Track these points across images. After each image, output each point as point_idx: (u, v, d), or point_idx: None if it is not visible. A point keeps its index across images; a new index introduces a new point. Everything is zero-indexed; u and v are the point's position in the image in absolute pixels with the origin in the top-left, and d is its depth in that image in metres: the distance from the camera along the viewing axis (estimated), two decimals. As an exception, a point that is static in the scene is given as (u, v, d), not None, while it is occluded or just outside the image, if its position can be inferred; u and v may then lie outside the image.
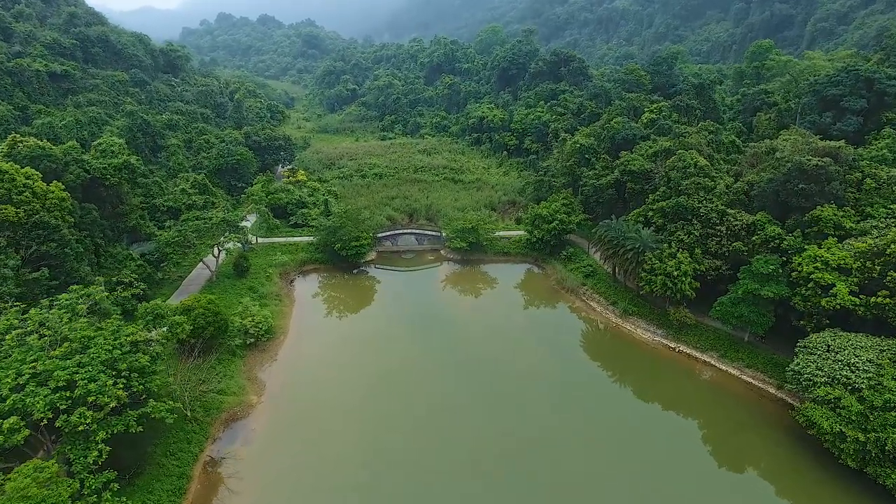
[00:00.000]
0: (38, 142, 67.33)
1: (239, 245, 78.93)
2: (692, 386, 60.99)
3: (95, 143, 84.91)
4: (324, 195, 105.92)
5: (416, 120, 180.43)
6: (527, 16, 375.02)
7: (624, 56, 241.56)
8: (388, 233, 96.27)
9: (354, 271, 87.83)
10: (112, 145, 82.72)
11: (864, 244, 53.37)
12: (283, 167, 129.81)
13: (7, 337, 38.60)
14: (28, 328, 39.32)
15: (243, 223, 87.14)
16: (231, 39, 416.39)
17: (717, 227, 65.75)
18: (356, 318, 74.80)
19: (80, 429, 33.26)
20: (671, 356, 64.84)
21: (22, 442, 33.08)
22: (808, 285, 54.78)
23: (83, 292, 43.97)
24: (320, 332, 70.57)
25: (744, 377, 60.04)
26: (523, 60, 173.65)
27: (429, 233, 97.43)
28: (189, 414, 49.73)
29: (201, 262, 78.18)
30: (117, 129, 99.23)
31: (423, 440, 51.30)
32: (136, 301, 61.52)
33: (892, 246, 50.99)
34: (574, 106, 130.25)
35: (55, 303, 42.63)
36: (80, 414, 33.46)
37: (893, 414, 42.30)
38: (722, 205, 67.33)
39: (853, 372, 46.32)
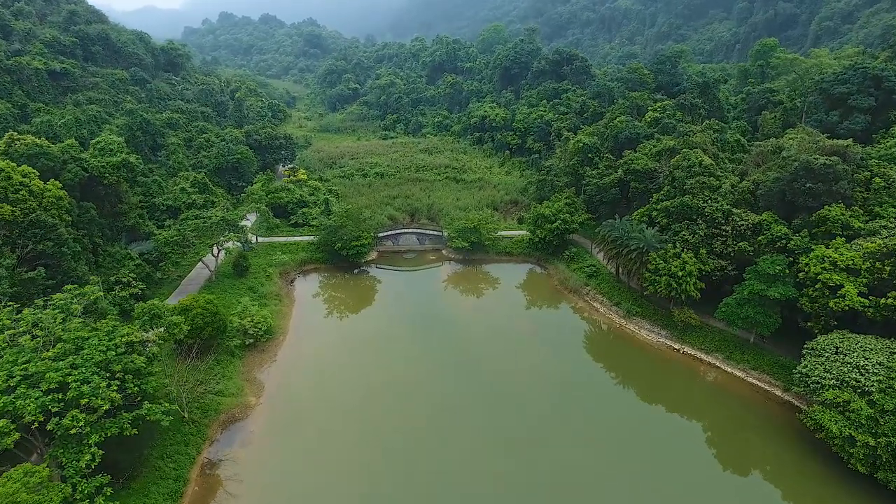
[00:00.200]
0: (36, 140, 66.73)
1: (238, 244, 78.17)
2: (696, 388, 60.29)
3: (94, 141, 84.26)
4: (325, 194, 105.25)
5: (418, 119, 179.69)
6: (529, 15, 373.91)
7: (626, 55, 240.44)
8: (390, 232, 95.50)
9: (355, 271, 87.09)
10: (111, 143, 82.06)
11: (874, 244, 52.42)
12: (283, 166, 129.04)
13: (-1, 337, 37.91)
14: (20, 329, 38.57)
15: (243, 222, 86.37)
16: (233, 39, 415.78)
17: (723, 227, 64.85)
18: (357, 319, 74.04)
19: (72, 432, 32.46)
20: (675, 357, 64.00)
21: (12, 446, 32.37)
22: (816, 286, 53.88)
23: (78, 292, 43.19)
24: (320, 333, 69.81)
25: (749, 379, 59.17)
26: (526, 59, 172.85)
27: (430, 232, 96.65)
28: (186, 415, 49.02)
29: (201, 262, 77.53)
30: (117, 127, 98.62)
31: (424, 441, 50.65)
32: (134, 301, 60.96)
33: (903, 246, 50.11)
34: (577, 105, 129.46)
35: (49, 303, 41.85)
36: (72, 417, 32.70)
37: (904, 418, 41.44)
38: (727, 204, 66.43)
39: (863, 375, 45.41)
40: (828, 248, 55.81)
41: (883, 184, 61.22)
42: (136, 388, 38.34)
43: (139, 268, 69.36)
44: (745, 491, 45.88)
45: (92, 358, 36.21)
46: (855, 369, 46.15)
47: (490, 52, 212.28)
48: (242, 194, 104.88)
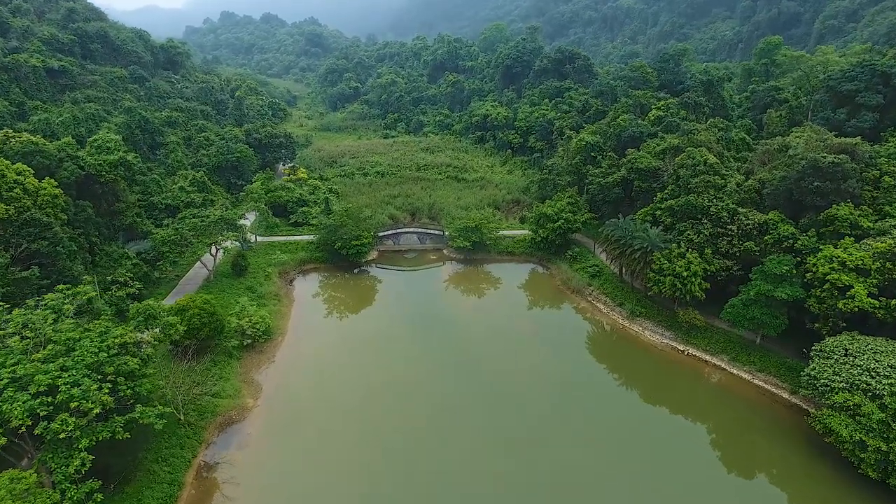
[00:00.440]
0: (31, 137, 65.86)
1: (237, 244, 77.29)
2: (701, 389, 59.38)
3: (91, 139, 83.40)
4: (325, 193, 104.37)
5: (420, 118, 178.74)
6: (531, 14, 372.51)
7: (629, 55, 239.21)
8: (390, 232, 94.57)
9: (355, 271, 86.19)
10: (108, 141, 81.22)
11: (884, 244, 51.36)
12: (284, 165, 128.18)
13: (-13, 339, 36.97)
14: (10, 330, 37.60)
15: (242, 221, 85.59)
16: (234, 38, 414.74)
17: (728, 227, 63.82)
18: (357, 319, 73.18)
19: (61, 436, 31.46)
20: (680, 359, 63.08)
21: (1, 450, 31.41)
22: (824, 287, 52.86)
23: (70, 292, 42.21)
24: (320, 333, 68.96)
25: (756, 381, 58.18)
26: (528, 58, 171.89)
27: (431, 232, 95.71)
28: (182, 418, 48.21)
29: (199, 262, 76.70)
30: (115, 125, 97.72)
31: (424, 441, 50.14)
32: (131, 301, 59.93)
33: (914, 246, 49.04)
34: (579, 103, 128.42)
35: (41, 303, 40.90)
36: (61, 421, 31.69)
37: (917, 422, 40.39)
38: (733, 203, 65.40)
39: (873, 378, 44.35)
40: (836, 247, 54.74)
41: (893, 182, 60.15)
42: (130, 391, 37.37)
43: (136, 267, 68.51)
44: (750, 493, 45.04)
45: (83, 360, 35.23)
46: (865, 372, 45.10)
47: (492, 51, 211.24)
48: (242, 193, 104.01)
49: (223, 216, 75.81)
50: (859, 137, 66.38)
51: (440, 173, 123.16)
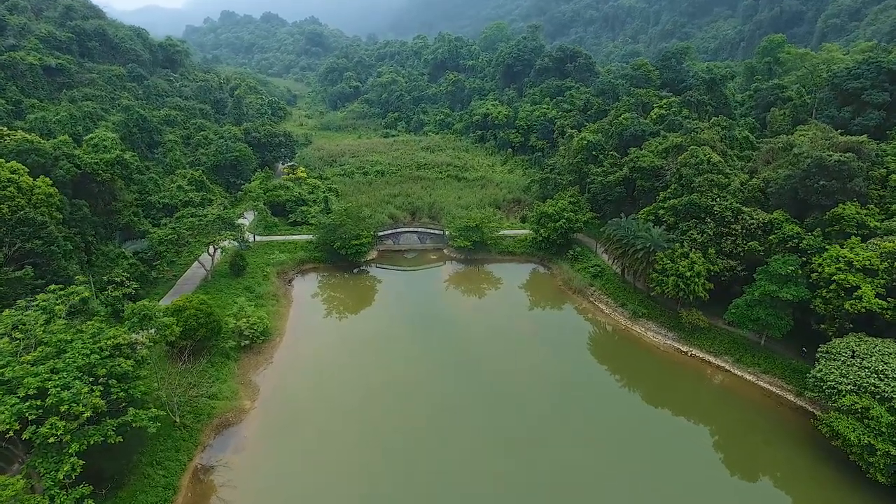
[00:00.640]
0: (26, 135, 65.00)
1: (235, 243, 76.47)
2: (704, 391, 58.72)
3: (87, 137, 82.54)
4: (324, 192, 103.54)
5: (420, 117, 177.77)
6: (531, 13, 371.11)
7: (630, 54, 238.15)
8: (390, 231, 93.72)
9: (355, 271, 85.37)
10: (105, 140, 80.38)
11: (892, 244, 50.49)
12: (283, 164, 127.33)
13: (-24, 341, 36.08)
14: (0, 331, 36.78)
15: (240, 221, 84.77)
16: (234, 37, 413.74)
17: (732, 226, 62.95)
18: (356, 319, 72.40)
19: (50, 441, 30.60)
20: (683, 360, 62.31)
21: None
22: (830, 287, 52.07)
23: (62, 292, 41.35)
24: (318, 334, 68.21)
25: (760, 383, 57.40)
26: (529, 57, 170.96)
27: (431, 231, 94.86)
28: (178, 420, 47.48)
29: (197, 262, 75.88)
30: (113, 124, 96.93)
31: (424, 441, 49.80)
32: (127, 301, 59.15)
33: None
34: (581, 102, 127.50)
35: (33, 304, 40.05)
36: (50, 425, 30.83)
37: (928, 426, 39.52)
38: (737, 202, 64.56)
39: (882, 380, 43.50)
40: (842, 247, 53.87)
41: (899, 181, 59.26)
42: (123, 394, 36.55)
43: (133, 267, 67.73)
44: (753, 496, 44.58)
45: (74, 362, 34.40)
46: (873, 374, 44.24)
47: (492, 50, 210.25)
48: (240, 192, 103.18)
49: (221, 215, 75.03)
50: (865, 136, 65.39)
51: (440, 172, 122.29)
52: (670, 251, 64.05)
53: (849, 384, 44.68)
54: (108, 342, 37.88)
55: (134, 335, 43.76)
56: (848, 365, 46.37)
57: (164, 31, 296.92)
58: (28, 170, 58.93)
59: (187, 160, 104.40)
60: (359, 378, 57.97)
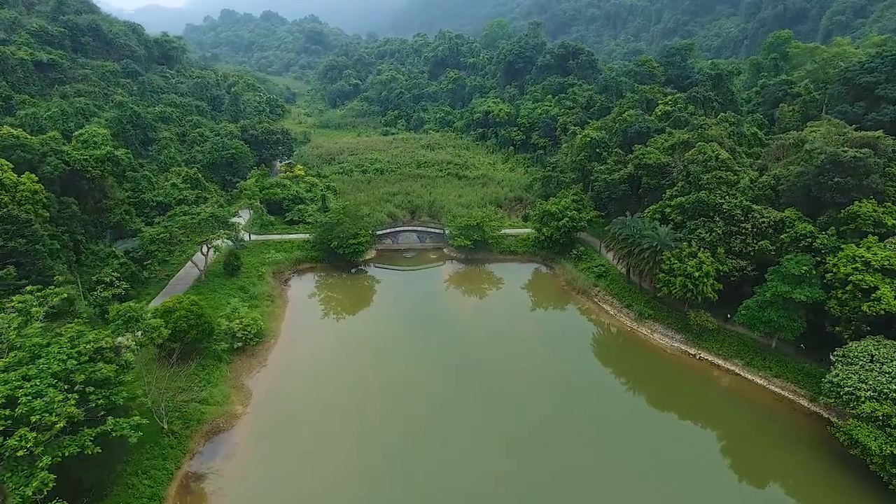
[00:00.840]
0: (12, 130, 62.90)
1: (229, 242, 74.36)
2: (713, 394, 56.96)
3: (77, 133, 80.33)
4: (322, 191, 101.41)
5: (420, 115, 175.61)
6: (532, 12, 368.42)
7: (632, 52, 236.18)
8: (389, 230, 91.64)
9: (353, 270, 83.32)
10: (95, 136, 78.25)
11: (912, 243, 48.35)
12: (280, 162, 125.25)
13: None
14: (-30, 335, 34.76)
15: (236, 219, 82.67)
16: (234, 36, 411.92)
17: (742, 225, 60.94)
18: (354, 320, 70.48)
19: (19, 453, 28.51)
20: (691, 363, 60.46)
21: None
22: (846, 288, 50.01)
23: (40, 293, 39.23)
24: (315, 335, 66.32)
25: (772, 387, 55.47)
26: (530, 54, 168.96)
27: (431, 230, 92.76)
28: (165, 426, 45.51)
29: (190, 261, 73.82)
30: (106, 120, 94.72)
31: (424, 441, 48.70)
32: (117, 302, 57.04)
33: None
34: (583, 99, 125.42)
35: (6, 305, 37.99)
36: (20, 436, 28.75)
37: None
38: (746, 200, 62.51)
39: (904, 386, 41.36)
40: (858, 246, 51.76)
41: (917, 178, 57.11)
42: (103, 401, 34.46)
43: (124, 266, 65.75)
44: (765, 502, 43.01)
45: (49, 368, 32.31)
46: (895, 380, 42.09)
47: (493, 48, 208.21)
48: (236, 190, 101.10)
49: (214, 213, 72.96)
50: (881, 131, 63.16)
51: (441, 170, 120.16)
52: (678, 251, 62.02)
53: (868, 390, 42.67)
54: (89, 346, 35.83)
55: (119, 338, 41.72)
56: (867, 370, 44.36)
57: (165, 29, 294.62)
58: (13, 166, 56.96)
59: (182, 158, 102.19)
60: (356, 379, 56.40)
